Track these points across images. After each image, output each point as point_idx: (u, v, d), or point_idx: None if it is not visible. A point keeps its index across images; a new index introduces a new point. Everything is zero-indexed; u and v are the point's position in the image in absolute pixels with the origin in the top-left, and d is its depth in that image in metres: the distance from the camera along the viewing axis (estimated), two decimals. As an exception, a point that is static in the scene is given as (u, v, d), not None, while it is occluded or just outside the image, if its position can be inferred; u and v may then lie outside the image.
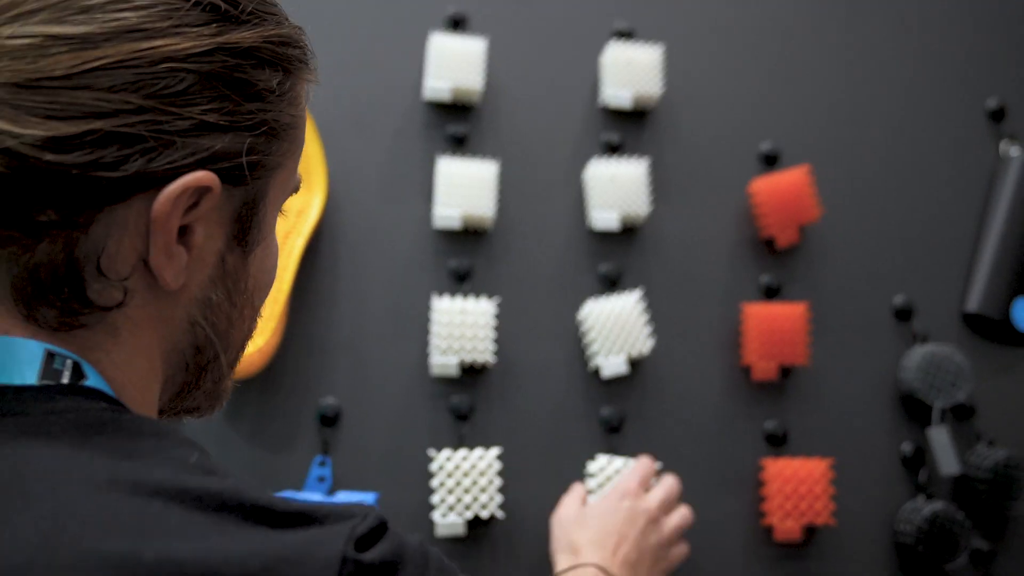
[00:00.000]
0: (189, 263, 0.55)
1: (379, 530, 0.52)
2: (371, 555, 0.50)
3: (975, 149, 1.32)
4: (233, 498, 0.49)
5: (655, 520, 1.02)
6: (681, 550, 1.06)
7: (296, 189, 0.63)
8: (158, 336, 0.57)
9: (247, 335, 0.63)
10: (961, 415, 1.21)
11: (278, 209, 0.62)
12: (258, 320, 0.64)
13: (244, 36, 0.54)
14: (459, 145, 1.24)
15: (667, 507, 1.05)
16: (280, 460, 1.12)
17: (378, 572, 0.50)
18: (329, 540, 0.49)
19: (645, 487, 1.06)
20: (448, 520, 1.07)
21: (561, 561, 1.01)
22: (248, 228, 0.58)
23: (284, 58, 0.57)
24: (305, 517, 0.50)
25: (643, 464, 1.08)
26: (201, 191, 0.53)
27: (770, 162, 1.28)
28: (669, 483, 1.07)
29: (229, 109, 0.53)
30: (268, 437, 1.12)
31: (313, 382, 1.14)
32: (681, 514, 1.06)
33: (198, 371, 0.61)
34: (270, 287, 0.63)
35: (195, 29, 0.52)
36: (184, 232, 0.54)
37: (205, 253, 0.56)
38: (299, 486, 1.10)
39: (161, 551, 0.46)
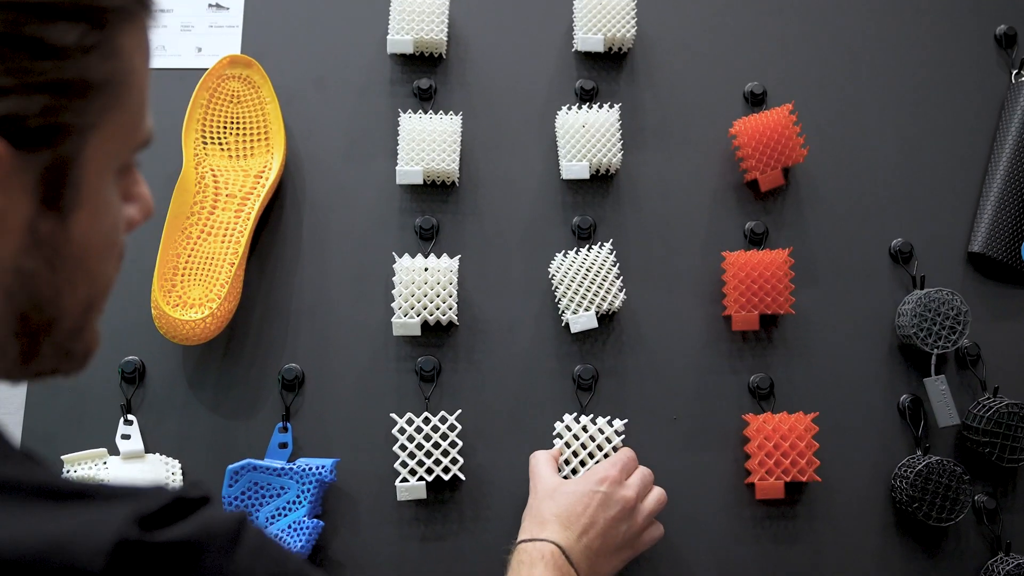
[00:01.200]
0: None
1: (177, 508, 0.48)
2: (164, 535, 0.46)
3: (983, 79, 1.22)
4: (11, 480, 0.47)
5: (631, 509, 0.97)
6: (653, 532, 1.01)
7: (146, 143, 0.59)
8: None
9: (90, 299, 0.58)
10: (964, 363, 1.12)
11: (113, 167, 0.57)
12: (106, 282, 0.59)
13: None
14: (426, 99, 1.19)
15: (644, 493, 1.00)
16: (242, 428, 1.09)
17: (171, 553, 0.47)
18: (106, 520, 0.46)
19: (626, 475, 1.01)
20: (409, 484, 1.04)
21: (525, 529, 0.97)
22: (60, 193, 0.54)
23: (92, 10, 0.52)
24: (86, 496, 0.47)
25: (626, 455, 1.03)
26: None
27: (757, 102, 1.21)
28: (646, 471, 1.02)
29: (13, 69, 0.49)
30: (230, 405, 1.10)
31: (275, 348, 1.12)
32: (656, 498, 1.01)
33: (31, 338, 0.57)
34: (111, 249, 0.58)
35: None
36: None
37: (9, 221, 0.52)
38: (261, 454, 1.07)
39: None
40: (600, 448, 1.05)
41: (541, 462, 1.03)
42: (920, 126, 1.20)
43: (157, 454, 1.07)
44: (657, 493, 1.01)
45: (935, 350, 1.08)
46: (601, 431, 1.06)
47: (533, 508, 0.99)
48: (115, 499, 0.47)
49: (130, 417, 1.08)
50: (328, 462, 1.04)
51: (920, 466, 1.05)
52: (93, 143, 0.54)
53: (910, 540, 1.08)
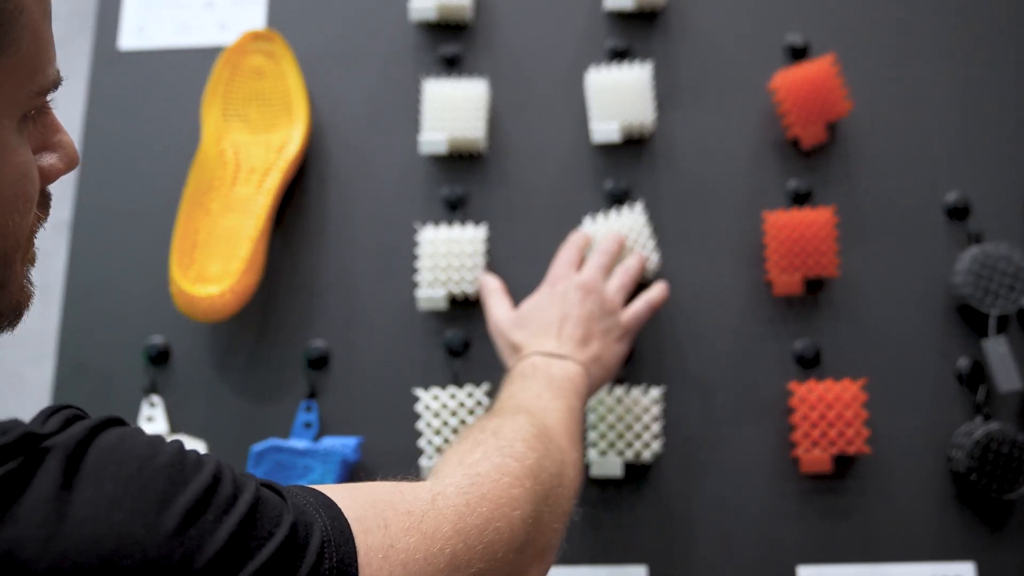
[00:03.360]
0: None
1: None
2: None
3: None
4: None
5: (590, 290, 0.96)
6: (649, 299, 1.00)
7: (51, 87, 0.55)
8: None
9: (3, 254, 0.55)
10: (1029, 324, 1.05)
11: (11, 113, 0.53)
12: (20, 235, 0.56)
13: None
14: (452, 66, 1.16)
15: (599, 274, 0.98)
16: (268, 407, 1.07)
17: None
18: None
19: (576, 267, 1.00)
20: (433, 463, 1.00)
21: (509, 364, 0.96)
22: None
23: None
24: None
25: (571, 244, 1.02)
26: None
27: (798, 55, 1.14)
28: (601, 257, 1.00)
29: None
30: (256, 384, 1.08)
31: (301, 325, 1.09)
32: (624, 268, 1.00)
33: None
34: (20, 201, 0.54)
35: None
36: None
37: None
38: (286, 433, 1.05)
39: None
40: (637, 419, 1.00)
41: (490, 305, 1.02)
42: (975, 69, 1.12)
43: (183, 435, 1.05)
44: (621, 269, 1.00)
45: (993, 310, 1.01)
46: (636, 401, 1.01)
47: (504, 347, 0.98)
48: None
49: (154, 399, 1.06)
50: (352, 441, 1.01)
51: (978, 434, 0.97)
52: None
53: (972, 515, 1.00)
